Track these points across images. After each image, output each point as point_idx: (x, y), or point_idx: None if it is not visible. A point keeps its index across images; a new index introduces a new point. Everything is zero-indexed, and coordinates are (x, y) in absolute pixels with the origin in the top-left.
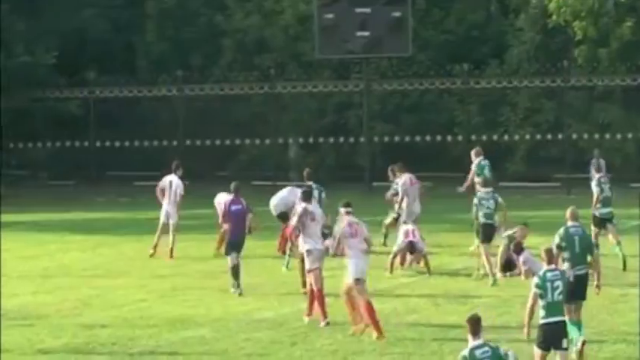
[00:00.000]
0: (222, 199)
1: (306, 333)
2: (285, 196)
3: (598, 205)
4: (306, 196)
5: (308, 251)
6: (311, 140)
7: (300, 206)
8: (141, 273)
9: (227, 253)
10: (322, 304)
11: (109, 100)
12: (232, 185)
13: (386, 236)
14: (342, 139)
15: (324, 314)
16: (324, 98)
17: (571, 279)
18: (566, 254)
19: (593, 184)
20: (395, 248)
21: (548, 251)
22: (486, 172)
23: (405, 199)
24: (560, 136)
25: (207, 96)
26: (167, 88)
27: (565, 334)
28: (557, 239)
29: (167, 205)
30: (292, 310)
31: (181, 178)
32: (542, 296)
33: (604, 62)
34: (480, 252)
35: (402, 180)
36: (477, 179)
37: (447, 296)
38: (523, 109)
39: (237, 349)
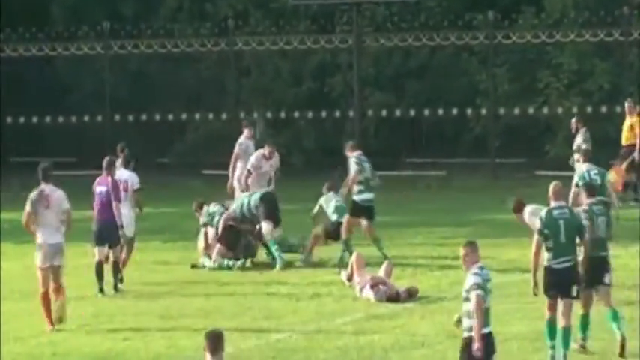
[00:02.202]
0: None
1: None
2: None
3: (358, 188)
4: (45, 174)
5: (38, 245)
6: (282, 115)
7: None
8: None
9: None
10: (48, 308)
11: (12, 61)
12: (105, 161)
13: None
14: (324, 114)
15: (50, 319)
16: (300, 58)
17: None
18: (549, 243)
19: (352, 162)
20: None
21: (473, 245)
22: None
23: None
24: (618, 109)
25: (143, 55)
26: (90, 45)
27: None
28: (538, 224)
29: None
30: (258, 343)
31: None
32: (484, 299)
33: None
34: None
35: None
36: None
37: None
38: (569, 73)
39: None
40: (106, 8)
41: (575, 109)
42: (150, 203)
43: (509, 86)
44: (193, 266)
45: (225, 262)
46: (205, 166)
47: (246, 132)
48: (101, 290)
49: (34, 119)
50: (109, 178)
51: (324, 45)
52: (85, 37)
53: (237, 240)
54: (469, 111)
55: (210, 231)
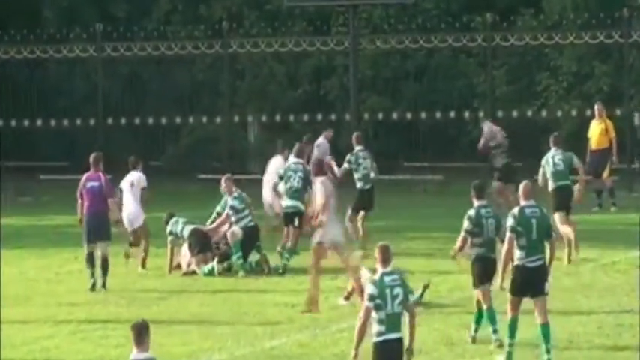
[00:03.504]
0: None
1: None
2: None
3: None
4: None
5: None
6: (278, 118)
7: None
8: (46, 299)
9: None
10: None
11: (3, 64)
12: (92, 157)
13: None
14: (320, 117)
15: None
16: (295, 61)
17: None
18: (521, 241)
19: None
20: None
21: (384, 249)
22: None
23: None
24: (618, 112)
25: (136, 58)
26: (82, 47)
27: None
28: (510, 221)
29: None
30: (253, 350)
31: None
32: (380, 307)
33: None
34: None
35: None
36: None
37: (464, 332)
38: (568, 75)
39: None
40: (98, 10)
41: (574, 112)
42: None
43: (507, 89)
44: (185, 273)
45: (207, 268)
46: (200, 170)
47: (325, 133)
48: (92, 275)
49: (26, 122)
50: (100, 174)
51: (319, 47)
52: (78, 39)
53: (208, 243)
54: (467, 114)
55: (183, 249)
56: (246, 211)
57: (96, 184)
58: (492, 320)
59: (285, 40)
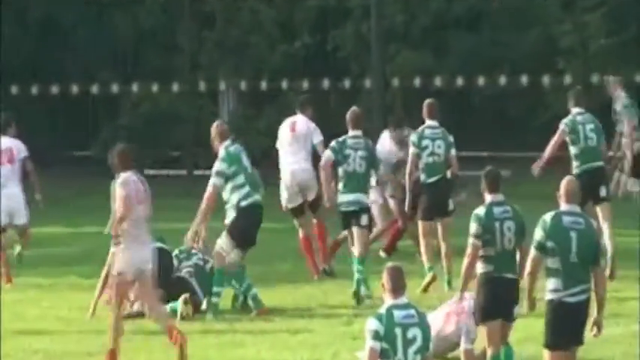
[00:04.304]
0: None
1: None
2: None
3: (341, 189)
4: None
5: None
6: (264, 86)
7: None
8: None
9: None
10: None
11: None
12: None
13: None
14: (326, 84)
15: None
16: (290, 1)
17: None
18: (554, 263)
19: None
20: None
21: (395, 273)
22: None
23: None
24: None
25: (60, 3)
26: None
27: None
28: (539, 234)
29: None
30: None
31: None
32: (386, 355)
33: None
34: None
35: None
36: None
37: None
38: None
39: None
40: None
41: None
42: (64, 219)
43: (605, 42)
44: (128, 316)
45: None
46: (148, 161)
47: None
48: None
49: None
50: None
51: None
52: None
53: (168, 276)
54: (546, 79)
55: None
56: None
57: None
58: None
59: None
